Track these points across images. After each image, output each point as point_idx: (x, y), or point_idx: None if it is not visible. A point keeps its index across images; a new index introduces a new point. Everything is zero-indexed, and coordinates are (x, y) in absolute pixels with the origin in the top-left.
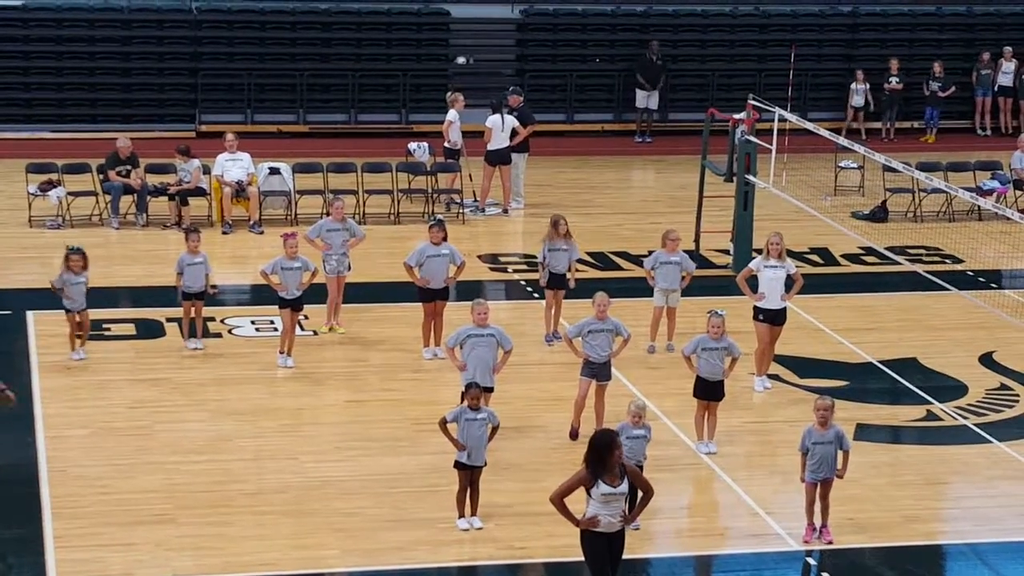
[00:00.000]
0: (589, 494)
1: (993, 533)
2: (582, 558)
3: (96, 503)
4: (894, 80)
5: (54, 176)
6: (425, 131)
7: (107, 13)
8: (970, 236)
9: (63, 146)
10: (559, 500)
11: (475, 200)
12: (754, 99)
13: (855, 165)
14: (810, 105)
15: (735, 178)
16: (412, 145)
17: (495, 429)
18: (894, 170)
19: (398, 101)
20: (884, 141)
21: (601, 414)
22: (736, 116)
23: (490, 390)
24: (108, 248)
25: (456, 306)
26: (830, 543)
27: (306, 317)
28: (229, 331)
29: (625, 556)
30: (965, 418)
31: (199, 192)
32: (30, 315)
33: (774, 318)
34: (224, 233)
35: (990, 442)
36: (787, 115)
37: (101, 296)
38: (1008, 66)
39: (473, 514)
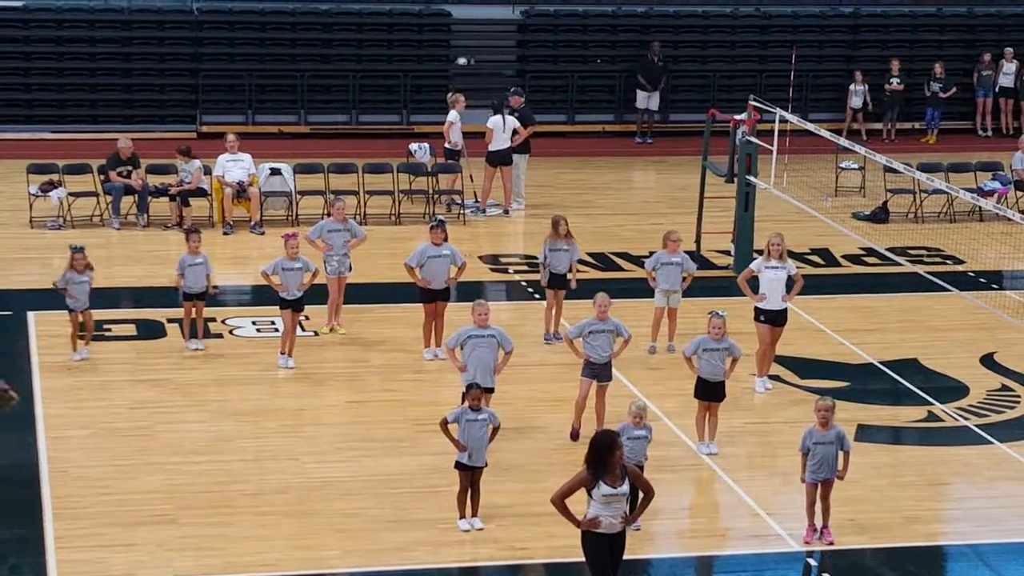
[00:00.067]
0: (590, 495)
1: (994, 534)
2: (583, 559)
3: (97, 504)
4: (895, 81)
5: (55, 177)
6: (426, 132)
7: (108, 14)
8: (971, 237)
9: (64, 147)
10: (560, 501)
11: (476, 201)
12: (755, 100)
13: (856, 166)
14: (811, 106)
15: (736, 179)
16: (413, 146)
17: (496, 430)
18: (895, 171)
19: (399, 102)
20: (885, 142)
21: (602, 415)
22: (737, 117)
23: (491, 391)
24: (109, 249)
25: (457, 307)
26: (831, 544)
27: (307, 318)
28: (230, 332)
29: (626, 557)
30: (966, 419)
31: (200, 193)
32: (31, 316)
33: (775, 319)
34: (225, 234)
35: (991, 443)
36: (788, 116)
37: (102, 297)
38: (1009, 67)
39: (474, 515)
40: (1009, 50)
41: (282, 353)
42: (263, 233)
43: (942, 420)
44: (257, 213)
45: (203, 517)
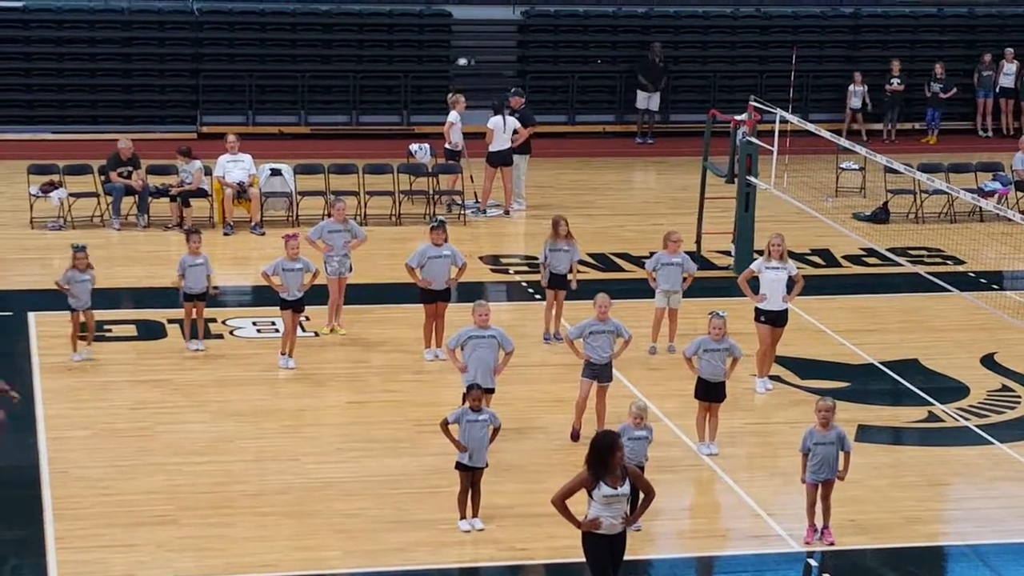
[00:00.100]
0: (591, 496)
1: (994, 534)
2: (584, 560)
3: (98, 504)
4: (895, 81)
5: (55, 177)
6: (426, 132)
7: (108, 14)
8: (971, 237)
9: (64, 147)
10: (561, 502)
11: (476, 201)
12: (755, 100)
13: (856, 166)
14: (811, 106)
15: (736, 179)
16: (413, 146)
17: (496, 430)
18: (895, 171)
19: (399, 102)
20: (885, 142)
21: (602, 415)
22: (737, 117)
23: (491, 391)
24: (109, 249)
25: (457, 307)
26: (831, 544)
27: (307, 318)
28: (230, 332)
29: (626, 557)
30: (966, 419)
31: (200, 193)
32: (31, 316)
33: (775, 319)
34: (225, 234)
35: (991, 443)
36: (788, 116)
37: (103, 297)
38: (1010, 67)
39: (474, 515)
40: (1010, 50)
41: (282, 354)
42: (263, 234)
43: (942, 420)
44: (257, 214)
45: (204, 518)
